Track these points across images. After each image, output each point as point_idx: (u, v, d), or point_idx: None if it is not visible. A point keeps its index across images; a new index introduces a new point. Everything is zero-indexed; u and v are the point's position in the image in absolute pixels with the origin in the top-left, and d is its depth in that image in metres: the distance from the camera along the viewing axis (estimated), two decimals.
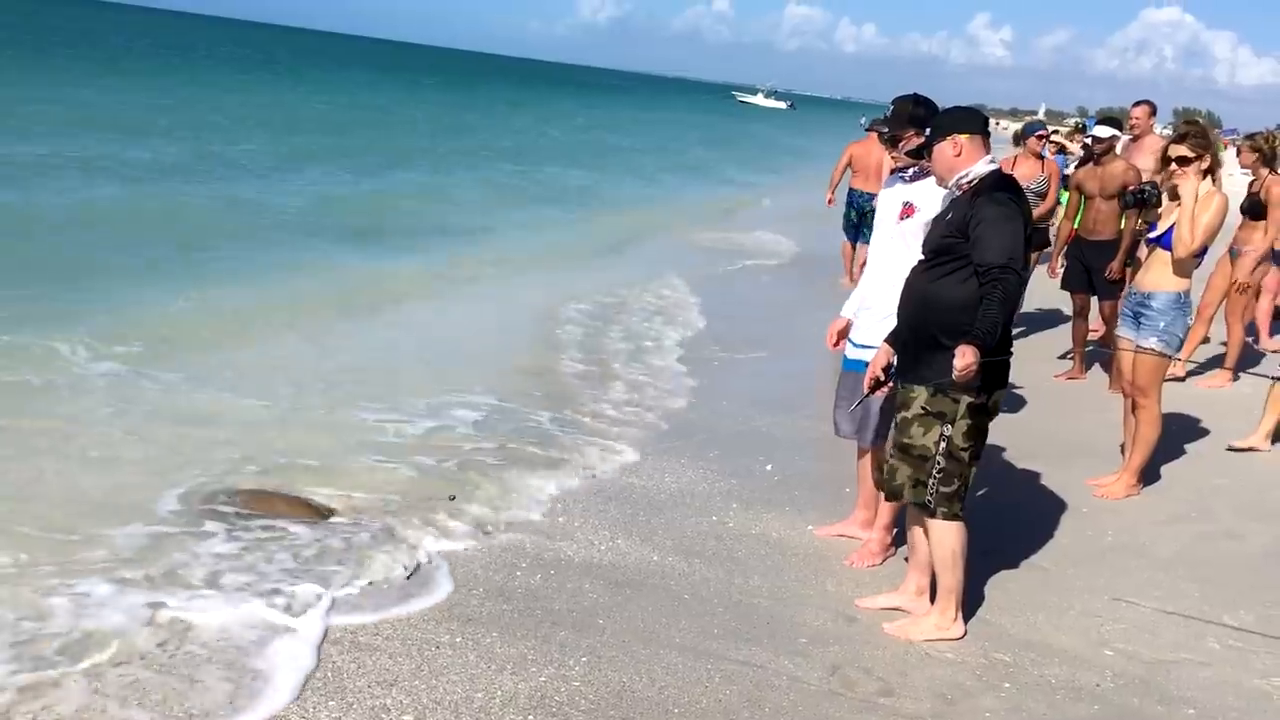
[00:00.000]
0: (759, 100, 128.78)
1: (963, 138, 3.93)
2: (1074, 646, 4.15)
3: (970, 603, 4.41)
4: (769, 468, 6.01)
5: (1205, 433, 7.05)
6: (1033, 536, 5.20)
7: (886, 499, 4.34)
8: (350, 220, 13.93)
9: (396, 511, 4.95)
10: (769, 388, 7.82)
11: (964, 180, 3.92)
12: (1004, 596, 4.53)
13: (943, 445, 3.91)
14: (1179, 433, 6.94)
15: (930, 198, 4.30)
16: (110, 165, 15.76)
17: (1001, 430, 6.73)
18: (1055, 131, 14.08)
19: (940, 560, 4.07)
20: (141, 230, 11.42)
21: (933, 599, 4.20)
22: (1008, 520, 5.35)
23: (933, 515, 4.00)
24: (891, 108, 4.52)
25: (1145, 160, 9.44)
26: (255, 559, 4.32)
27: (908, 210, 4.49)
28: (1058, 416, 7.42)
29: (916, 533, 4.25)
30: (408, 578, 4.30)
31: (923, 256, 4.03)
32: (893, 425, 4.15)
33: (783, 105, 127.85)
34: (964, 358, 3.68)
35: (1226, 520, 5.64)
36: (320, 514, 4.84)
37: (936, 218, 4.08)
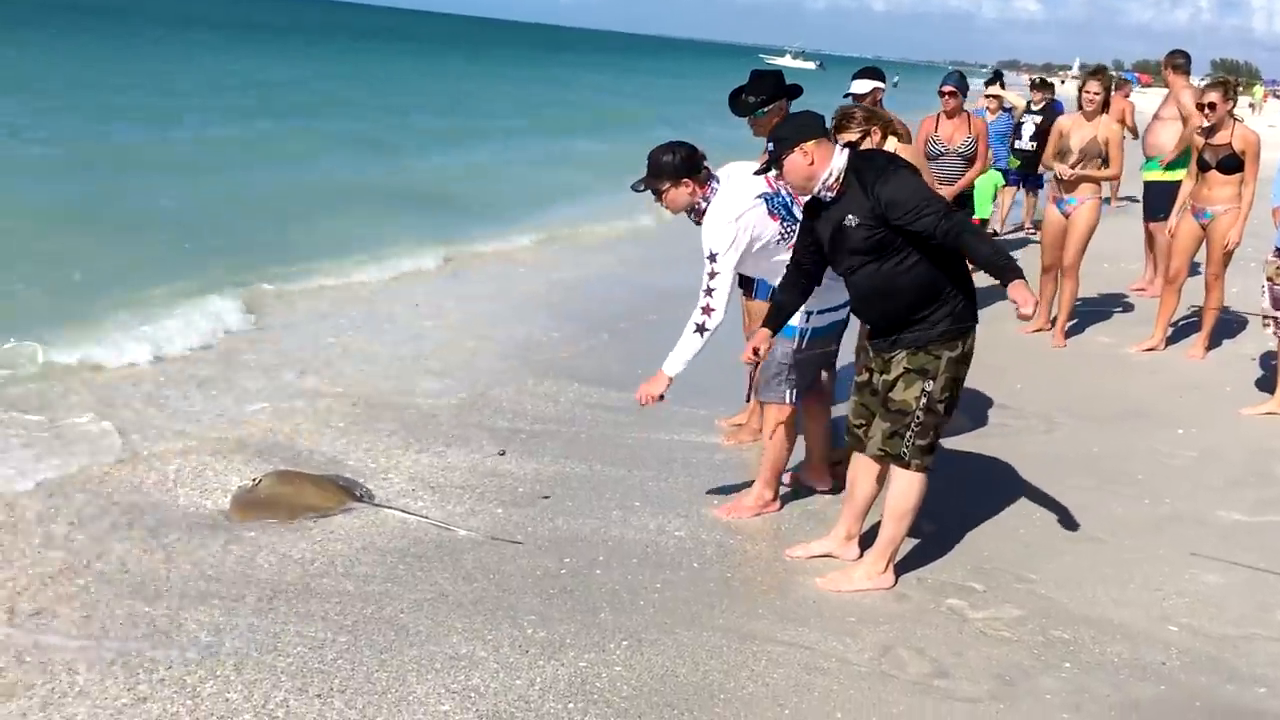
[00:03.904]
0: (786, 62, 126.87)
1: (810, 144, 3.89)
2: (1136, 622, 3.98)
3: (1024, 576, 4.27)
4: None
5: (1249, 396, 6.78)
6: (1085, 505, 5.00)
7: (855, 448, 4.23)
8: None
9: (431, 493, 4.86)
10: None
11: (830, 180, 3.89)
12: (1059, 569, 4.36)
13: (923, 400, 3.93)
14: (1226, 397, 6.72)
15: (702, 233, 4.36)
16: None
17: (1048, 394, 6.59)
18: (992, 83, 12.63)
19: (896, 510, 4.06)
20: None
21: (870, 555, 4.19)
22: (1057, 488, 5.16)
23: (907, 466, 4.01)
24: (648, 161, 4.45)
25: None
26: None
27: None
28: (1104, 379, 7.19)
29: (860, 481, 4.25)
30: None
31: (851, 262, 3.94)
32: (861, 389, 4.15)
33: (811, 66, 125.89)
34: (1020, 292, 3.56)
35: None
36: (353, 496, 4.73)
37: (828, 229, 3.94)
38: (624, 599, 4.00)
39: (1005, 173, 11.59)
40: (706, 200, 4.42)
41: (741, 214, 4.39)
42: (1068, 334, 8.02)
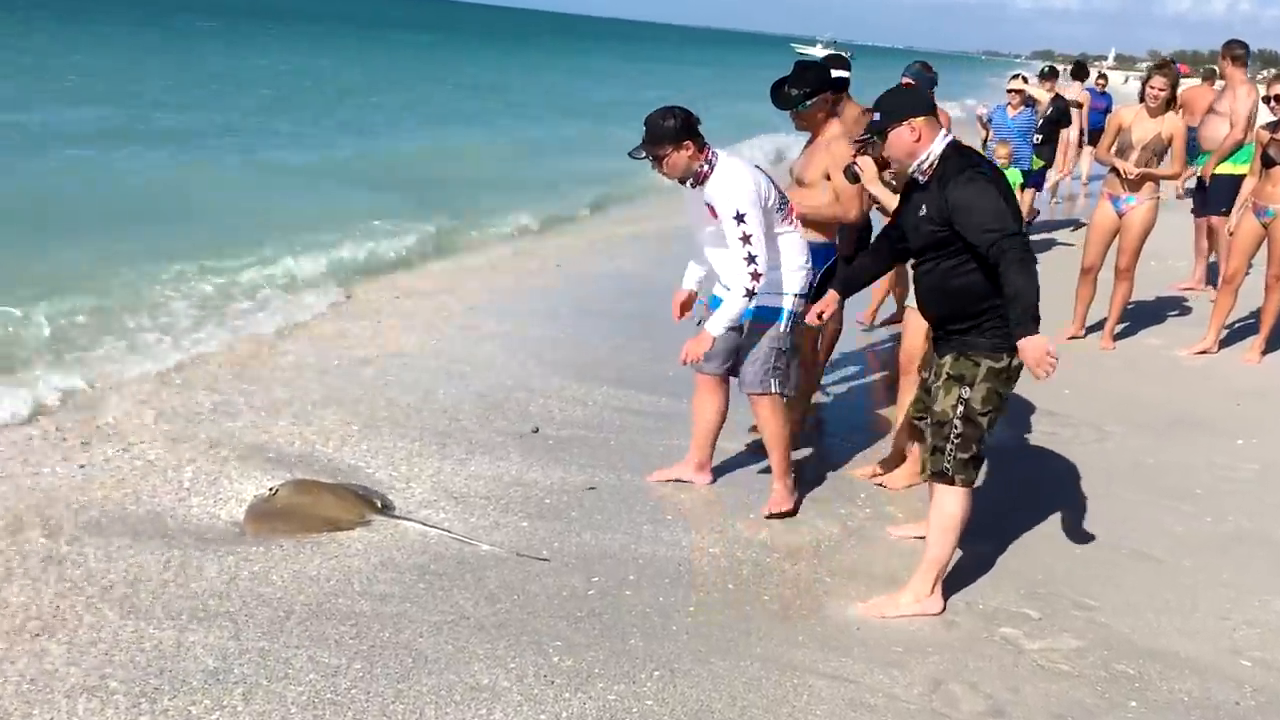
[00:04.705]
0: (818, 51, 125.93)
1: (919, 121, 3.78)
2: (1204, 656, 3.71)
3: (1082, 602, 4.01)
4: (849, 444, 5.60)
5: None
6: (1143, 522, 4.75)
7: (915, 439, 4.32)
8: None
9: (454, 503, 4.65)
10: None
11: (926, 164, 3.79)
12: (1119, 595, 4.09)
13: (960, 409, 3.79)
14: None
15: (717, 197, 4.30)
16: None
17: (1098, 401, 6.30)
18: (1016, 76, 11.76)
19: (940, 526, 3.89)
20: None
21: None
22: (1112, 503, 4.90)
23: (951, 482, 3.84)
24: (645, 127, 4.32)
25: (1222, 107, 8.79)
26: None
27: (712, 212, 4.36)
28: (1155, 384, 6.89)
29: None
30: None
31: (919, 254, 3.91)
32: (922, 384, 4.11)
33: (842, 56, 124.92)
34: (1033, 351, 3.48)
35: None
36: (373, 507, 4.53)
37: (910, 212, 3.90)
38: (655, 623, 3.77)
39: (1026, 173, 10.81)
40: (709, 163, 4.34)
41: (753, 172, 4.39)
42: (1116, 336, 7.71)
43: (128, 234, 9.40)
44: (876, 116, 3.87)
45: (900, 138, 3.79)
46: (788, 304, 4.51)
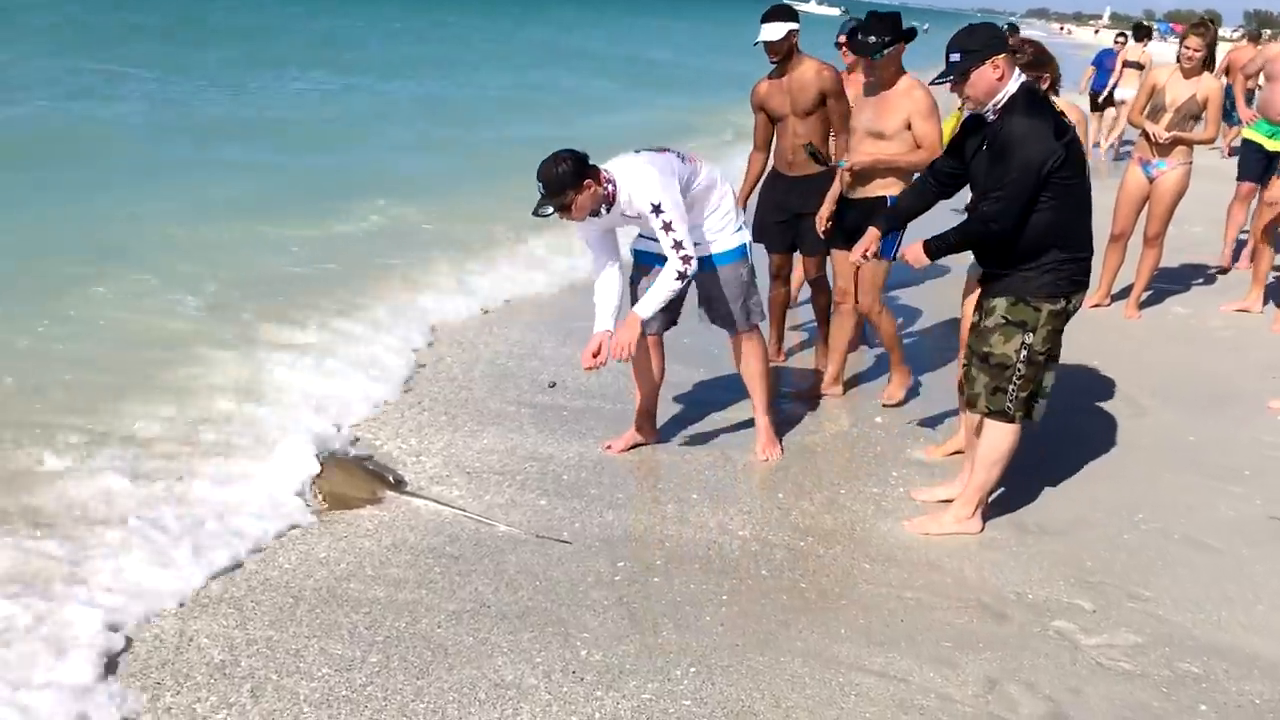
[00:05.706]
0: (810, 8, 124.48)
1: (1001, 58, 3.78)
2: (1271, 652, 3.48)
3: (1136, 593, 3.80)
4: (878, 419, 5.37)
5: None
6: (1191, 506, 4.51)
7: (966, 407, 4.20)
8: None
9: (466, 479, 4.42)
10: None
11: (1000, 104, 3.80)
12: (1175, 585, 3.87)
13: (1023, 353, 3.93)
14: None
15: (634, 201, 4.25)
16: None
17: (1130, 373, 6.08)
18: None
19: (987, 458, 4.06)
20: None
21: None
22: (1158, 484, 4.68)
23: (1011, 420, 4.00)
24: (541, 182, 4.14)
25: None
26: None
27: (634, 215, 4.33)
28: (1186, 355, 6.66)
29: (974, 426, 4.20)
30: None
31: (978, 192, 3.98)
32: (971, 333, 4.11)
33: (835, 12, 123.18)
34: (913, 253, 3.99)
35: None
36: (384, 483, 4.28)
37: (973, 148, 3.94)
38: (687, 613, 3.55)
39: None
40: (611, 183, 4.20)
41: (650, 158, 4.30)
42: (1140, 305, 7.48)
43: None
44: (956, 57, 3.78)
45: (984, 77, 3.76)
46: (744, 237, 4.59)
